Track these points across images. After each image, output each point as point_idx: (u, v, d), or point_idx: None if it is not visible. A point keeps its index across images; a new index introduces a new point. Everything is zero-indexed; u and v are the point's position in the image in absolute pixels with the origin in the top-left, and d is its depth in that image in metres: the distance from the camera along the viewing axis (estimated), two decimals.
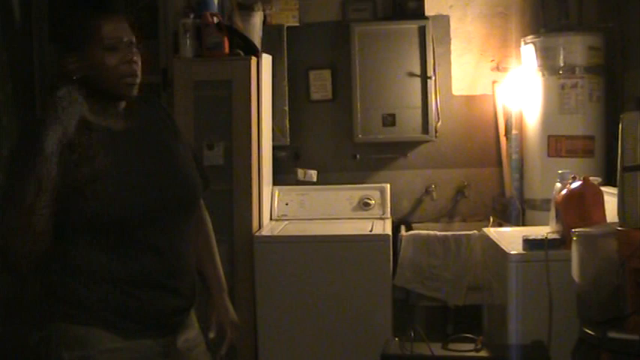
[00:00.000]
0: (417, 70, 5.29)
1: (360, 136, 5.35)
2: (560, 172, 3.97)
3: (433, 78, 5.29)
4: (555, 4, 5.02)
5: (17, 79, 4.17)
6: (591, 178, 3.82)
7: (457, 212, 5.41)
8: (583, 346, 3.00)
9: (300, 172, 5.38)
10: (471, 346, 3.60)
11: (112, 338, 2.21)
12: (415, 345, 3.54)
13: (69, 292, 2.21)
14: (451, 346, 3.65)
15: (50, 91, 2.15)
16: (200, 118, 4.55)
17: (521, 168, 5.06)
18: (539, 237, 3.73)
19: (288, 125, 5.33)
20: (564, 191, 3.80)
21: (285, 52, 5.31)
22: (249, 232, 4.59)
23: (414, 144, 5.43)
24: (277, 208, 5.15)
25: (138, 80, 2.27)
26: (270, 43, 5.15)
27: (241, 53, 4.62)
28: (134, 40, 2.28)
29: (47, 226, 2.08)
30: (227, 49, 4.59)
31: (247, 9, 4.92)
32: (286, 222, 5.03)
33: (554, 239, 3.71)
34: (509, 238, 4.03)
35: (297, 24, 5.40)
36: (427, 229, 5.10)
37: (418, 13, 5.31)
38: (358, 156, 5.45)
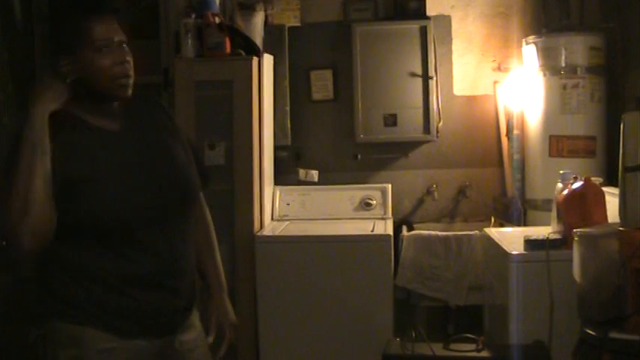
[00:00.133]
0: (419, 70, 5.29)
1: (361, 136, 5.35)
2: (561, 172, 3.97)
3: (434, 78, 5.29)
4: (557, 5, 5.01)
5: (18, 78, 4.17)
6: (593, 178, 3.82)
7: (458, 212, 5.41)
8: (584, 346, 3.00)
9: (301, 172, 5.38)
10: (473, 346, 3.60)
11: (108, 338, 2.21)
12: (416, 345, 3.54)
13: (65, 292, 2.22)
14: (452, 346, 3.66)
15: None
16: (201, 118, 4.55)
17: (522, 168, 5.06)
18: (541, 237, 3.73)
19: (289, 125, 5.33)
20: (566, 191, 3.80)
21: (287, 52, 5.30)
22: (251, 232, 4.59)
23: (415, 144, 5.43)
24: (279, 208, 5.15)
25: (131, 80, 2.27)
26: (272, 43, 5.14)
27: (243, 53, 4.62)
28: (125, 40, 2.28)
29: (47, 205, 2.09)
30: (228, 49, 4.59)
31: (249, 9, 4.92)
32: (287, 222, 5.03)
33: (555, 239, 3.71)
34: (511, 238, 4.03)
35: (299, 24, 5.39)
36: (428, 229, 5.10)
37: (419, 13, 5.31)
38: (359, 156, 5.45)
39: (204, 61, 4.59)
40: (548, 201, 4.25)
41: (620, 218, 3.02)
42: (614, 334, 2.86)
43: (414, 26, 5.29)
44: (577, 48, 4.69)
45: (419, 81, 5.29)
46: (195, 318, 2.46)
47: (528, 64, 4.87)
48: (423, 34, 5.27)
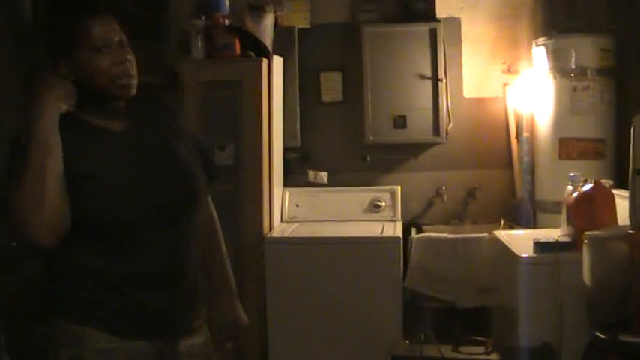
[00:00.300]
0: (428, 72, 5.29)
1: (370, 137, 5.35)
2: (571, 174, 3.97)
3: (444, 80, 5.28)
4: (565, 6, 5.00)
5: (27, 79, 4.18)
6: (602, 180, 3.81)
7: (467, 214, 5.40)
8: (593, 349, 3.00)
9: (310, 173, 5.38)
10: (482, 348, 3.60)
11: (108, 338, 2.20)
12: (425, 347, 3.54)
13: (67, 291, 2.22)
14: (461, 348, 3.66)
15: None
16: (210, 119, 4.55)
17: (532, 170, 5.05)
18: (550, 240, 3.72)
19: (298, 127, 5.33)
20: (575, 194, 3.79)
21: (296, 53, 5.31)
22: (260, 234, 4.59)
23: (424, 146, 5.43)
24: (288, 210, 5.15)
25: (134, 80, 2.26)
26: (281, 45, 5.14)
27: (252, 55, 4.62)
28: (126, 39, 2.26)
29: (62, 200, 2.09)
30: (238, 51, 4.59)
31: (258, 10, 4.92)
32: (297, 224, 5.03)
33: (564, 242, 3.71)
34: (520, 240, 4.02)
35: (308, 26, 5.39)
36: (437, 232, 5.09)
37: (429, 15, 5.31)
38: (369, 158, 5.44)
39: (213, 63, 4.60)
40: (558, 203, 4.23)
41: (630, 221, 3.01)
42: (623, 337, 2.85)
43: (423, 28, 5.29)
44: (587, 50, 4.68)
45: (428, 83, 5.29)
46: (202, 323, 2.45)
47: (538, 66, 4.86)
48: (432, 36, 5.27)
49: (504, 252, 4.02)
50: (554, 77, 4.73)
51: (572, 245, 3.67)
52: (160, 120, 2.41)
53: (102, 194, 2.16)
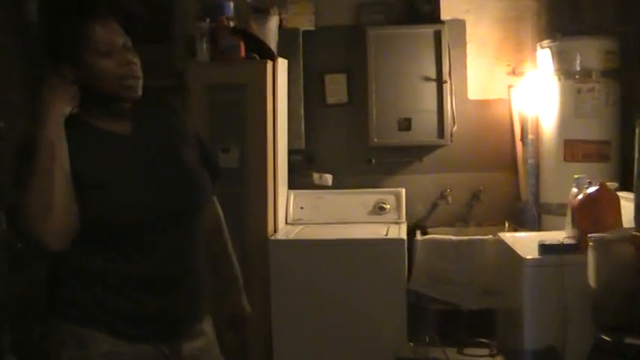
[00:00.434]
0: (433, 74, 5.29)
1: (375, 140, 5.35)
2: (576, 177, 3.96)
3: (449, 82, 5.28)
4: (571, 9, 5.00)
5: (34, 81, 4.19)
6: (607, 183, 3.81)
7: (472, 217, 5.40)
8: (598, 351, 2.99)
9: (315, 176, 5.38)
10: (486, 351, 3.60)
11: (111, 341, 2.20)
12: (429, 349, 3.54)
13: (71, 294, 2.22)
14: (466, 351, 3.65)
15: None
16: (215, 121, 4.55)
17: (537, 172, 5.04)
18: (555, 242, 3.72)
19: (303, 129, 5.33)
20: (580, 196, 3.79)
21: (301, 55, 5.31)
22: (265, 236, 4.59)
23: (429, 148, 5.43)
24: (292, 212, 5.15)
25: (139, 81, 2.26)
26: (286, 47, 5.14)
27: (257, 57, 4.63)
28: (129, 41, 2.25)
29: (70, 203, 2.09)
30: (243, 53, 4.60)
31: (263, 13, 4.93)
32: (301, 226, 5.04)
33: (569, 244, 3.70)
34: (525, 242, 4.01)
35: (313, 28, 5.39)
36: (442, 234, 5.09)
37: (433, 17, 5.31)
38: (373, 160, 5.45)
39: (218, 65, 4.60)
40: (563, 205, 4.23)
41: (635, 223, 3.01)
42: (629, 340, 2.84)
43: (428, 30, 5.29)
44: (592, 52, 4.67)
45: (433, 85, 5.29)
46: (206, 325, 2.45)
47: (543, 68, 4.86)
48: (437, 38, 5.27)
49: (509, 254, 4.01)
50: (559, 79, 4.73)
51: (577, 247, 3.66)
52: (165, 122, 2.41)
53: (107, 197, 2.16)
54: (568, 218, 3.92)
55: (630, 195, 3.44)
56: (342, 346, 4.49)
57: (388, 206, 5.13)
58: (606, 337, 2.92)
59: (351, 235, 4.75)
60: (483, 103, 5.41)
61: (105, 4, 2.30)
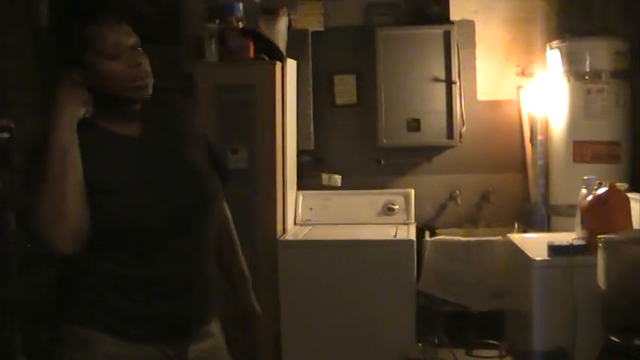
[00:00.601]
0: (442, 75, 5.29)
1: (384, 140, 5.35)
2: (585, 177, 3.95)
3: (458, 83, 5.28)
4: (580, 9, 4.99)
5: (45, 82, 4.20)
6: (617, 183, 3.80)
7: (481, 218, 5.39)
8: (607, 353, 2.98)
9: (324, 176, 5.38)
10: (495, 352, 3.59)
11: (117, 343, 2.19)
12: (438, 351, 3.54)
13: (77, 295, 2.21)
14: (475, 352, 3.65)
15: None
16: (223, 122, 4.55)
17: (546, 174, 5.03)
18: (564, 243, 3.71)
19: (312, 130, 5.34)
20: (590, 197, 3.78)
21: (310, 56, 5.31)
22: (274, 237, 4.59)
23: (438, 149, 5.42)
24: (301, 213, 5.15)
25: (149, 81, 2.24)
26: (295, 48, 5.14)
27: (266, 58, 4.63)
28: (138, 41, 2.23)
29: (82, 208, 2.08)
30: (252, 54, 4.60)
31: (272, 14, 4.93)
32: (310, 226, 5.03)
33: (579, 245, 3.69)
34: (534, 244, 4.01)
35: (322, 29, 5.40)
36: (451, 235, 5.09)
37: (443, 18, 5.31)
38: (382, 161, 5.45)
39: (226, 66, 4.60)
40: (572, 207, 4.22)
41: None
42: (638, 342, 2.84)
43: (437, 31, 5.29)
44: (601, 53, 4.67)
45: (442, 86, 5.29)
46: (214, 326, 2.43)
47: (552, 69, 4.85)
48: (446, 38, 5.27)
49: (518, 255, 4.01)
50: (569, 80, 4.73)
51: (586, 249, 3.65)
52: (173, 123, 2.40)
53: (117, 201, 2.15)
54: (577, 219, 3.92)
55: None
56: (351, 346, 4.49)
57: (397, 207, 5.13)
58: (616, 339, 2.91)
59: (360, 236, 4.75)
60: (493, 104, 5.41)
61: (113, 5, 2.27)
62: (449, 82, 5.28)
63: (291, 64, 4.92)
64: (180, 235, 2.24)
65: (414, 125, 5.34)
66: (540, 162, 5.06)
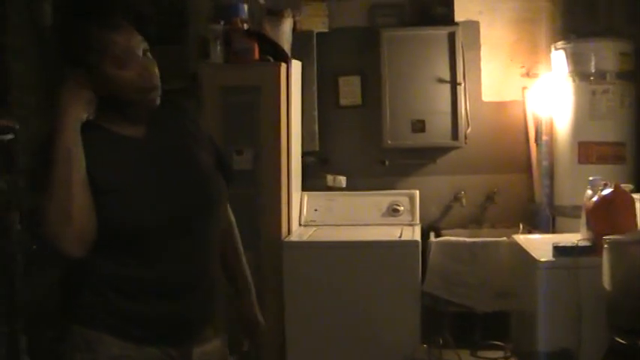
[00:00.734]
0: (447, 76, 5.28)
1: (389, 141, 5.35)
2: (590, 178, 3.94)
3: (462, 84, 5.28)
4: (586, 10, 4.98)
5: (49, 83, 4.20)
6: (622, 184, 3.80)
7: (486, 219, 5.39)
8: (612, 354, 2.98)
9: (329, 177, 5.38)
10: (500, 353, 3.59)
11: (121, 344, 2.19)
12: (443, 352, 3.54)
13: (83, 297, 2.21)
14: (480, 353, 3.65)
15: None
16: (228, 123, 4.56)
17: (551, 174, 5.03)
18: (570, 244, 3.71)
19: (317, 131, 5.34)
20: (595, 198, 3.77)
21: (315, 57, 5.32)
22: (278, 238, 4.59)
23: (443, 150, 5.42)
24: (306, 214, 5.16)
25: (159, 88, 2.23)
26: (300, 49, 5.15)
27: (271, 59, 4.63)
28: (148, 47, 2.21)
29: (89, 210, 2.08)
30: (256, 55, 4.60)
31: (277, 15, 4.94)
32: (315, 227, 5.04)
33: (584, 246, 3.69)
34: (539, 245, 4.00)
35: (327, 30, 5.40)
36: (456, 236, 5.08)
37: (447, 19, 5.31)
38: (387, 162, 5.44)
39: (231, 67, 4.60)
40: (577, 207, 4.21)
41: None
42: None
43: (442, 32, 5.29)
44: (607, 54, 4.66)
45: (447, 87, 5.29)
46: (217, 329, 2.44)
47: (557, 70, 4.85)
48: (451, 39, 5.27)
49: (523, 256, 4.00)
50: (574, 81, 4.72)
51: (591, 250, 3.64)
52: (178, 124, 2.39)
53: (121, 202, 2.15)
54: (583, 220, 3.91)
55: None
56: (356, 347, 4.48)
57: (402, 208, 5.13)
58: (621, 340, 2.91)
59: (365, 237, 4.75)
60: (497, 105, 5.41)
61: (116, 5, 2.25)
62: (454, 83, 5.27)
63: (296, 66, 4.92)
64: (181, 235, 2.24)
65: (419, 126, 5.34)
66: (545, 163, 5.06)
